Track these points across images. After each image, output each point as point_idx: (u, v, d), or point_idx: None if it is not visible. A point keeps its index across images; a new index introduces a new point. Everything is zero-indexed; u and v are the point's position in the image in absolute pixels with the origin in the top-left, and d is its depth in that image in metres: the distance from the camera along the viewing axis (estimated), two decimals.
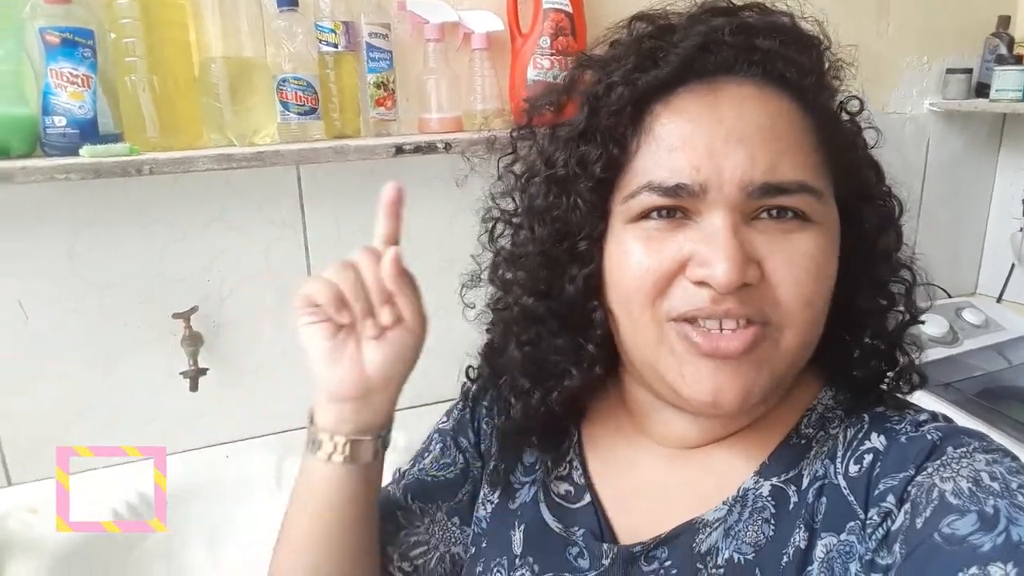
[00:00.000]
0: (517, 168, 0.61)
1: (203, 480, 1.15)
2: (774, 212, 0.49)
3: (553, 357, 0.58)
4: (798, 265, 0.48)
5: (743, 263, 0.47)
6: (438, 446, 0.70)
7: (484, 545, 0.63)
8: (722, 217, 0.48)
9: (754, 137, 0.48)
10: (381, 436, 0.59)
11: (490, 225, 0.62)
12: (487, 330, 0.65)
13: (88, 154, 0.92)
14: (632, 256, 0.51)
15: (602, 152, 0.52)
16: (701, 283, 0.48)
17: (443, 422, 0.73)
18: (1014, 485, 0.43)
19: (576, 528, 0.59)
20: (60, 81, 0.92)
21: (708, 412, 0.51)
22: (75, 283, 1.09)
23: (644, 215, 0.51)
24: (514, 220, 0.61)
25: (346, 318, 0.55)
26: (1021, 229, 1.73)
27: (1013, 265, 1.75)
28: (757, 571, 0.50)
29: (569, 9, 1.18)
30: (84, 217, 1.07)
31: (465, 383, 0.72)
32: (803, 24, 0.54)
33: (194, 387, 1.12)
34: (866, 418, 0.53)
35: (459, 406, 0.73)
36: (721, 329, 0.49)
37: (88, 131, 0.95)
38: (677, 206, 0.50)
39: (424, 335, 0.57)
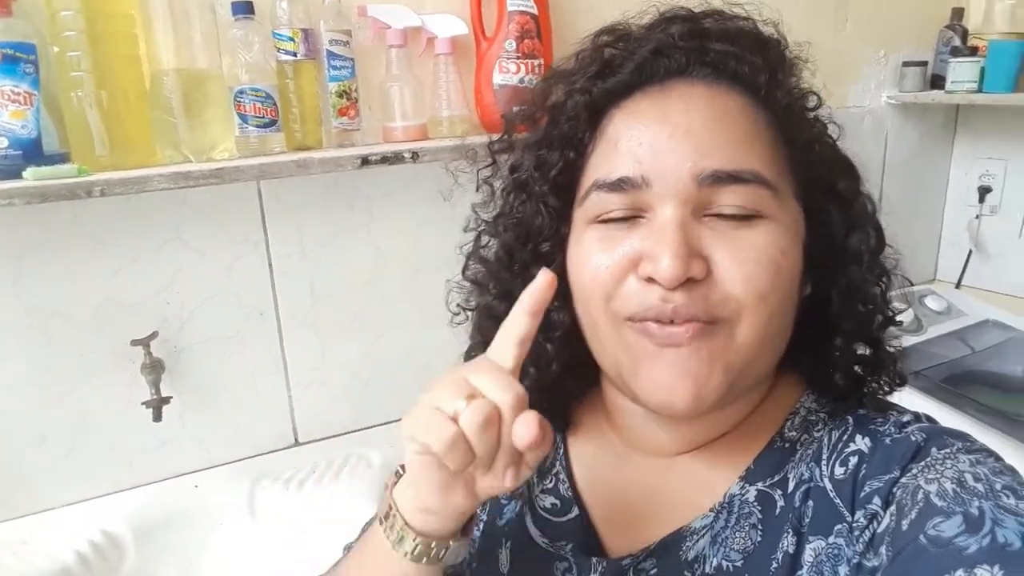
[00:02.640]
0: (495, 180, 0.63)
1: (172, 512, 1.10)
2: (726, 211, 0.49)
3: None
4: (748, 259, 0.49)
5: (687, 256, 0.47)
6: None
7: (474, 565, 0.62)
8: (670, 210, 0.48)
9: (702, 130, 0.49)
10: (474, 540, 0.56)
11: (473, 236, 0.63)
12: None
13: (33, 176, 0.86)
14: (589, 256, 0.52)
15: (559, 156, 0.54)
16: (649, 279, 0.48)
17: None
18: (998, 486, 0.43)
19: (564, 543, 0.58)
20: (1, 100, 0.87)
21: (666, 412, 0.51)
22: (22, 312, 1.03)
23: (602, 217, 0.51)
24: (486, 229, 0.62)
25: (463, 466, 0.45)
26: (977, 216, 1.78)
27: (970, 251, 1.80)
28: None
29: (534, 11, 1.15)
30: (29, 243, 1.01)
31: None
32: (760, 27, 0.55)
33: (157, 417, 1.07)
34: (850, 420, 0.54)
35: None
36: (672, 324, 0.49)
37: (32, 152, 0.89)
38: (628, 207, 0.50)
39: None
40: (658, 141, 0.49)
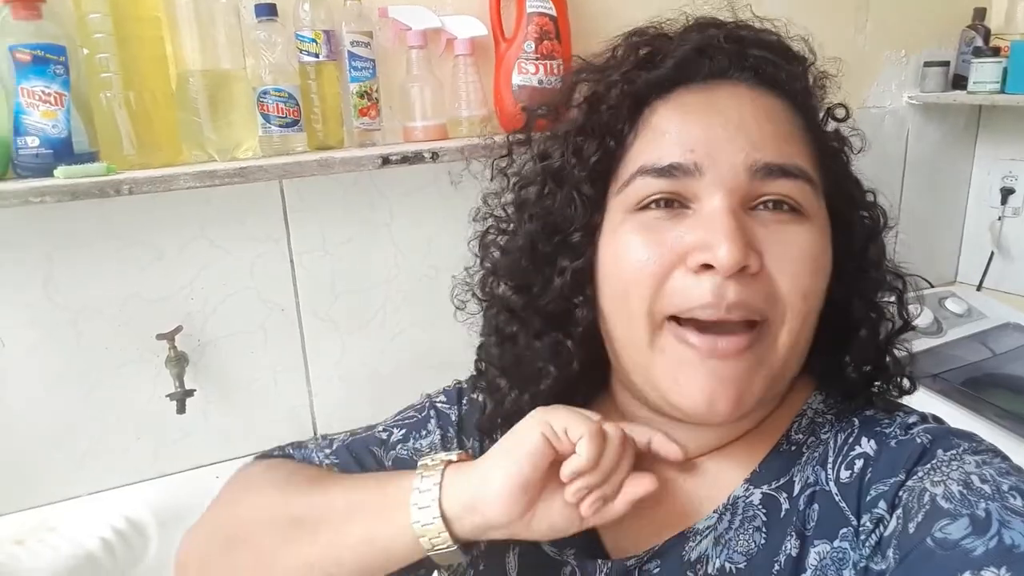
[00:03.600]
0: (511, 172, 0.61)
1: (194, 501, 1.10)
2: (770, 204, 0.49)
3: (528, 356, 0.57)
4: (796, 257, 0.48)
5: (745, 244, 0.46)
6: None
7: (481, 567, 0.62)
8: (720, 199, 0.48)
9: (753, 125, 0.49)
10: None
11: (483, 225, 0.62)
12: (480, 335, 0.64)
13: (63, 175, 0.88)
14: (630, 248, 0.50)
15: (599, 144, 0.53)
16: (703, 268, 0.47)
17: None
18: (1005, 487, 0.43)
19: (568, 548, 0.58)
20: (32, 100, 0.89)
21: (701, 419, 0.50)
22: (51, 308, 1.05)
23: (643, 206, 0.50)
24: (501, 224, 0.61)
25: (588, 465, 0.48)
26: (999, 218, 1.76)
27: (992, 253, 1.78)
28: None
29: (553, 12, 1.16)
30: (59, 240, 1.04)
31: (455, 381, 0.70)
32: (790, 42, 0.56)
33: (181, 409, 1.09)
34: (856, 422, 0.53)
35: (442, 399, 0.70)
36: (720, 323, 0.48)
37: (62, 151, 0.91)
38: (673, 193, 0.49)
39: None
40: (711, 130, 0.49)
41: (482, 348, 0.63)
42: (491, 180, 0.62)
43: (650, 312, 0.49)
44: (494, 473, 0.48)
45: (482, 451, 0.65)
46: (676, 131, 0.50)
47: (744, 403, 0.49)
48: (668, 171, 0.49)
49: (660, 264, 0.49)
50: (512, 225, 0.59)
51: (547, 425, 0.48)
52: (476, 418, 0.64)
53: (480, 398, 0.63)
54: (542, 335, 0.56)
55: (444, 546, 0.48)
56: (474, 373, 0.65)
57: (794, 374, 0.53)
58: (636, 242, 0.50)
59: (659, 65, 0.53)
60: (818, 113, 0.56)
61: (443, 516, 0.48)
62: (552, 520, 0.49)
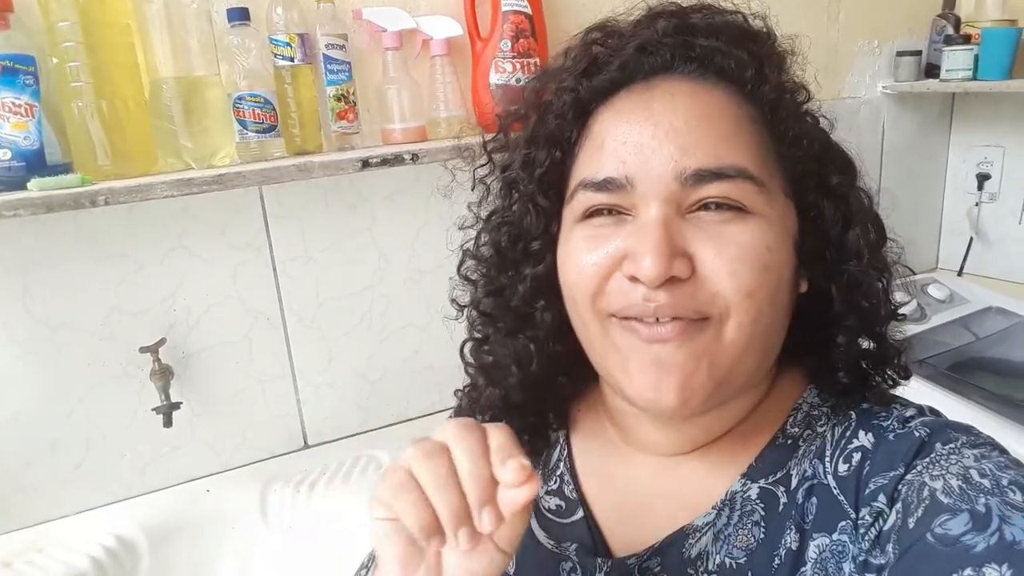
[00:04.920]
0: (490, 180, 0.62)
1: (185, 516, 1.10)
2: (712, 206, 0.49)
3: (501, 354, 0.59)
4: (732, 256, 0.48)
5: (669, 256, 0.47)
6: None
7: None
8: (653, 209, 0.48)
9: (684, 128, 0.49)
10: None
11: (471, 233, 0.63)
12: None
13: (37, 187, 0.87)
14: (576, 254, 0.52)
15: (546, 155, 0.54)
16: (633, 278, 0.48)
17: None
18: (1004, 481, 0.43)
19: (568, 543, 0.58)
20: (2, 112, 0.88)
21: (652, 411, 0.50)
22: (30, 323, 1.04)
23: (589, 215, 0.52)
24: (480, 227, 0.63)
25: (431, 540, 0.43)
26: (976, 204, 1.78)
27: (971, 239, 1.80)
28: (750, 575, 0.50)
29: (528, 10, 1.16)
30: (34, 254, 1.02)
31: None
32: (748, 21, 0.55)
33: (168, 423, 1.08)
34: (853, 416, 0.53)
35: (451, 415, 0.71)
36: (657, 322, 0.49)
37: (35, 163, 0.90)
38: (613, 205, 0.50)
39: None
40: (642, 140, 0.49)
41: (464, 350, 0.64)
42: (472, 189, 0.63)
43: (595, 313, 0.51)
44: None
45: None
46: (611, 143, 0.51)
47: (688, 395, 0.48)
48: (604, 185, 0.50)
49: (599, 268, 0.50)
50: (483, 228, 0.61)
51: (379, 510, 0.44)
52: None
53: (462, 400, 0.65)
54: (514, 335, 0.59)
55: None
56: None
57: (759, 367, 0.52)
58: (581, 248, 0.52)
59: (603, 69, 0.53)
60: (774, 98, 0.53)
61: None
62: (470, 568, 0.45)
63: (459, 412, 0.65)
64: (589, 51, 0.55)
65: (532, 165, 0.55)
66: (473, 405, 0.63)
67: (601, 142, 0.51)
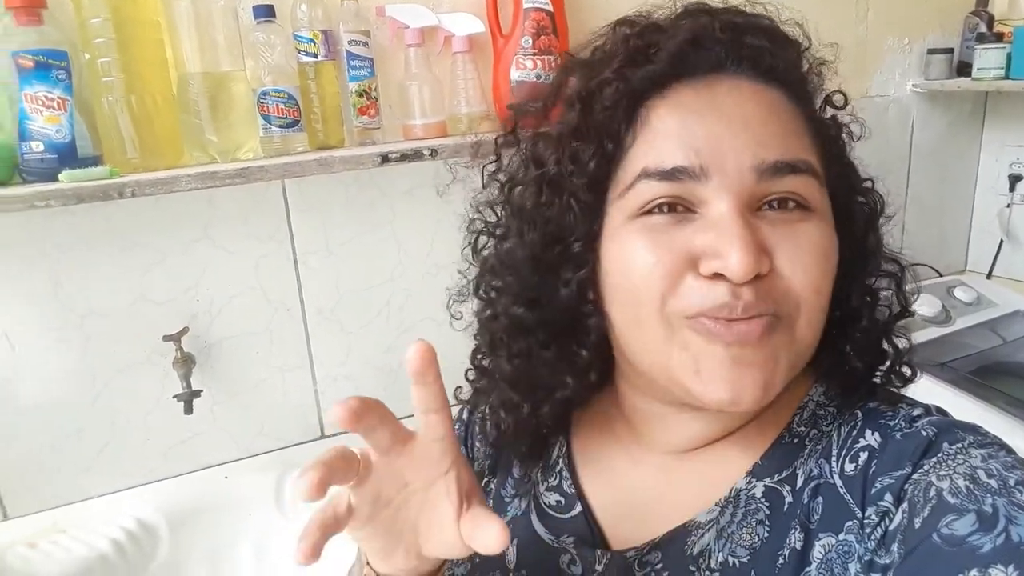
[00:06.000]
0: (502, 176, 0.59)
1: (204, 502, 1.13)
2: (775, 204, 0.48)
3: (542, 369, 0.56)
4: (807, 254, 0.48)
5: (757, 251, 0.45)
6: None
7: (477, 560, 0.62)
8: (728, 204, 0.46)
9: (757, 123, 0.48)
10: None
11: (474, 236, 0.60)
12: (475, 344, 0.62)
13: (68, 179, 0.90)
14: (636, 254, 0.49)
15: (596, 147, 0.51)
16: (715, 276, 0.46)
17: None
18: (1011, 482, 0.43)
19: (566, 536, 0.58)
20: (35, 105, 0.90)
21: (726, 408, 0.49)
22: (60, 311, 1.07)
23: (645, 210, 0.49)
24: (498, 231, 0.59)
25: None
26: (1008, 205, 1.74)
27: (1001, 241, 1.76)
28: (753, 574, 0.50)
29: (550, 8, 1.16)
30: (64, 244, 1.05)
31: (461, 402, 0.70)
32: (783, 26, 0.54)
33: (188, 410, 1.10)
34: (859, 415, 0.53)
35: (455, 424, 0.72)
36: (738, 319, 0.47)
37: (67, 155, 0.93)
38: (678, 197, 0.48)
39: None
40: (715, 131, 0.48)
41: (479, 358, 0.62)
42: (484, 188, 0.60)
43: (663, 315, 0.48)
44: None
45: (494, 465, 0.66)
46: (678, 132, 0.48)
47: (769, 390, 0.48)
48: (672, 174, 0.47)
49: (670, 268, 0.47)
50: (511, 238, 0.56)
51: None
52: (490, 434, 0.64)
53: (489, 413, 0.62)
54: (550, 345, 0.55)
55: None
56: (472, 384, 0.64)
57: (805, 363, 0.52)
58: (642, 247, 0.48)
59: (652, 59, 0.50)
60: (816, 101, 0.55)
61: None
62: (431, 544, 0.47)
63: (497, 426, 0.61)
64: (627, 44, 0.52)
65: (580, 158, 0.51)
66: (517, 423, 0.59)
67: (665, 132, 0.49)
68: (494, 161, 0.60)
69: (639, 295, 0.49)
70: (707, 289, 0.47)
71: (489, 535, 0.43)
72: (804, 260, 0.47)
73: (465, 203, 0.61)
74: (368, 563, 0.50)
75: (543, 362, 0.56)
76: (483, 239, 0.60)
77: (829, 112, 0.56)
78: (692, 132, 0.48)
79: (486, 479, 0.66)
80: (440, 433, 0.46)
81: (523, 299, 0.55)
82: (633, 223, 0.49)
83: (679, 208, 0.48)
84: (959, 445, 0.46)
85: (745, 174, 0.47)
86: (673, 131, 0.49)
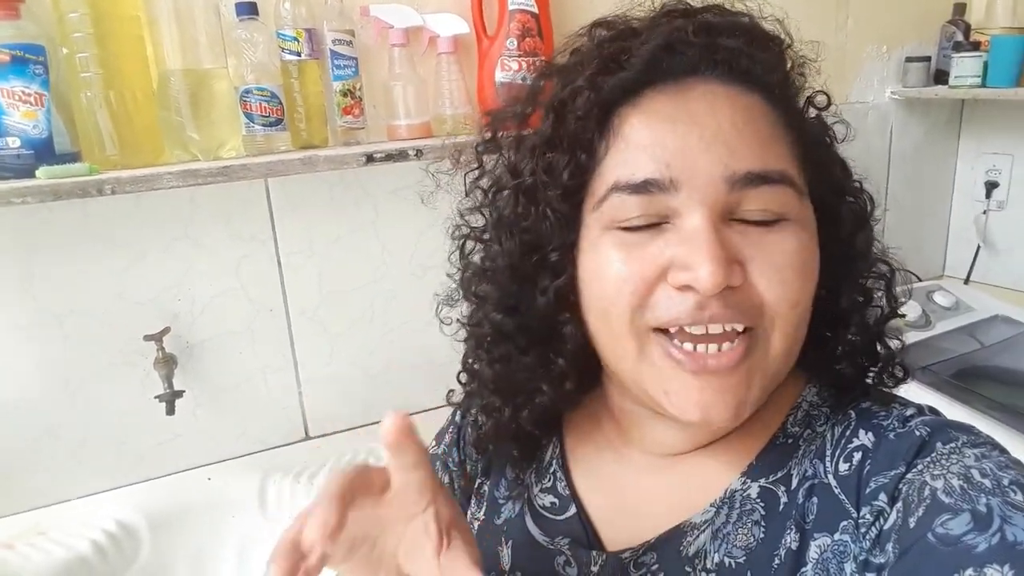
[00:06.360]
0: (484, 183, 0.59)
1: (186, 504, 1.11)
2: (755, 215, 0.48)
3: (522, 375, 0.56)
4: (781, 266, 0.47)
5: (727, 263, 0.45)
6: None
7: None
8: (700, 216, 0.46)
9: (730, 132, 0.47)
10: None
11: (460, 242, 0.60)
12: (464, 348, 0.62)
13: (45, 175, 0.88)
14: (610, 264, 0.49)
15: (570, 158, 0.50)
16: (684, 288, 0.46)
17: (433, 447, 0.71)
18: (1005, 481, 0.43)
19: (561, 538, 0.58)
20: (12, 100, 0.89)
21: (697, 426, 0.50)
22: (35, 310, 1.05)
23: (622, 223, 0.49)
24: (484, 236, 0.58)
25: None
26: (984, 211, 1.77)
27: (979, 247, 1.79)
28: (749, 574, 0.49)
29: (535, 10, 1.17)
30: (41, 242, 1.04)
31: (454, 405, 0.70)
32: (763, 24, 0.54)
33: (170, 411, 1.09)
34: (852, 415, 0.53)
35: (449, 427, 0.71)
36: (707, 335, 0.47)
37: (44, 151, 0.92)
38: (650, 214, 0.48)
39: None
40: (688, 143, 0.47)
41: (467, 362, 0.62)
42: (466, 195, 0.60)
43: (633, 326, 0.48)
44: None
45: (487, 467, 0.65)
46: (649, 143, 0.48)
47: (742, 410, 0.48)
48: (643, 187, 0.47)
49: (641, 279, 0.47)
50: (493, 246, 0.56)
51: None
52: (470, 437, 0.64)
53: (477, 415, 0.63)
54: (529, 352, 0.55)
55: None
56: (464, 387, 0.64)
57: (788, 371, 0.52)
58: (615, 258, 0.48)
59: (625, 66, 0.50)
60: (797, 102, 0.54)
61: None
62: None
63: (479, 428, 0.62)
64: (602, 49, 0.52)
65: (554, 168, 0.51)
66: (496, 427, 0.59)
67: (636, 143, 0.48)
68: (476, 168, 0.60)
69: (611, 307, 0.49)
70: (677, 300, 0.47)
71: None
72: (778, 272, 0.47)
73: (450, 206, 0.61)
74: None
75: (522, 367, 0.56)
76: (469, 244, 0.60)
77: (812, 112, 0.56)
78: (663, 143, 0.47)
79: (479, 481, 0.66)
80: (417, 478, 0.44)
81: (503, 306, 0.55)
82: (608, 235, 0.49)
83: (653, 220, 0.48)
84: (952, 445, 0.46)
85: (717, 185, 0.46)
86: (644, 142, 0.48)
